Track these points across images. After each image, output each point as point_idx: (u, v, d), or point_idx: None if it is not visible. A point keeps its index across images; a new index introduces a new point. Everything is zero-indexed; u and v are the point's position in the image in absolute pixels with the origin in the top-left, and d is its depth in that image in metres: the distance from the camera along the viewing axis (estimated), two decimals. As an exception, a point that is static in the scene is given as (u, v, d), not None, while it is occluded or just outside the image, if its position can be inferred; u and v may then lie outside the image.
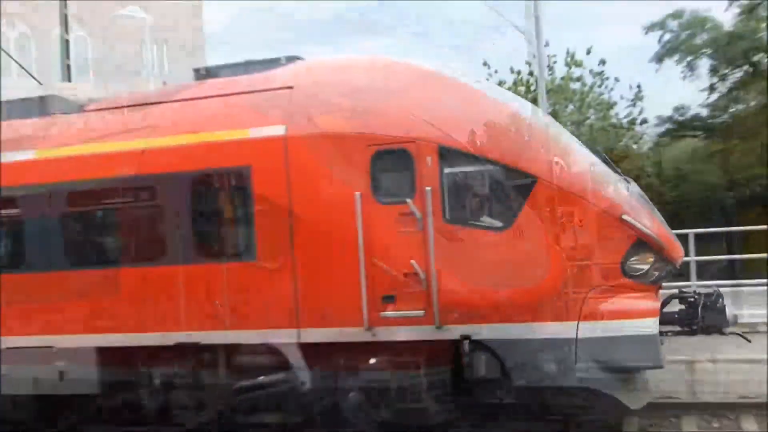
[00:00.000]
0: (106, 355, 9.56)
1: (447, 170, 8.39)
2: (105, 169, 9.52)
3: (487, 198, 8.51)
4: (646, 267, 8.24)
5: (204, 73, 10.11)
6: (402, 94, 8.85)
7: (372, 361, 8.71)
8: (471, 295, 8.29)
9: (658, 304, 8.33)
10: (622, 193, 8.48)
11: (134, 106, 9.93)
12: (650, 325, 8.10)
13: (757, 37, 25.77)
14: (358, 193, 8.46)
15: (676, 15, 28.51)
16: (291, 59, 9.74)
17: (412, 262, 8.35)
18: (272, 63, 9.74)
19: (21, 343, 9.81)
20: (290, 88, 9.18)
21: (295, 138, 8.79)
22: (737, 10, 28.24)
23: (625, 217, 8.13)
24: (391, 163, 8.52)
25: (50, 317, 9.74)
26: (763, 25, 28.33)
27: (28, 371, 9.87)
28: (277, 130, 8.89)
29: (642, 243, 8.16)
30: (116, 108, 10.03)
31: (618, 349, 8.10)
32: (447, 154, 8.37)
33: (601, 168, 8.66)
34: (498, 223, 8.38)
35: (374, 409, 8.87)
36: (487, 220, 8.45)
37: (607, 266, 8.19)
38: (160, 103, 9.87)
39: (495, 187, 8.46)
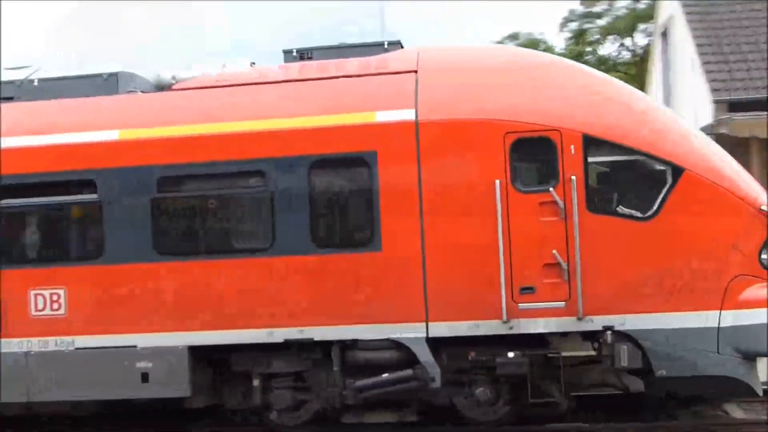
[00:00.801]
0: (198, 354, 9.03)
1: (591, 159, 8.44)
2: (208, 153, 8.99)
3: (633, 187, 8.65)
4: None
5: (295, 55, 9.78)
6: (539, 82, 8.83)
7: (507, 353, 8.56)
8: (615, 285, 8.34)
9: None
10: (755, 182, 8.69)
11: (235, 86, 9.42)
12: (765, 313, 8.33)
13: (583, 60, 28.78)
14: (498, 181, 8.37)
15: (513, 36, 33.53)
16: (393, 44, 9.62)
17: (554, 251, 8.31)
18: (373, 48, 9.59)
19: (99, 343, 9.07)
20: (414, 72, 8.97)
21: (428, 123, 8.60)
22: (568, 35, 34.33)
23: (764, 207, 8.34)
24: (532, 151, 8.49)
25: (133, 313, 9.03)
26: (589, 48, 33.95)
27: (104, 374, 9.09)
28: (407, 115, 8.66)
29: None
30: (212, 87, 9.48)
31: (754, 337, 8.32)
32: (591, 143, 8.40)
33: (730, 158, 8.82)
34: (643, 212, 8.44)
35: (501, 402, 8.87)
36: (631, 209, 8.51)
37: (746, 256, 8.39)
38: (263, 83, 9.39)
39: (641, 177, 8.61)
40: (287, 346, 8.88)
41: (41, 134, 9.34)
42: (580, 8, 37.10)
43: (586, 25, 34.51)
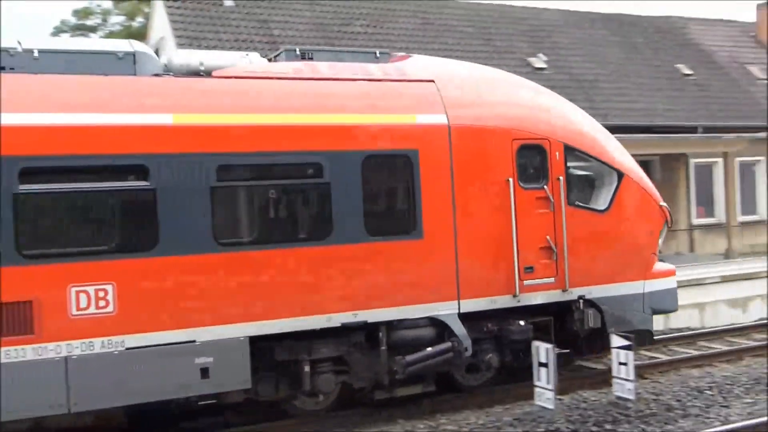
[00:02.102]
0: (262, 343, 9.28)
1: (569, 164, 10.91)
2: (262, 143, 9.29)
3: (594, 186, 11.27)
4: (663, 238, 11.95)
5: (298, 54, 10.45)
6: (531, 101, 11.08)
7: (514, 322, 10.62)
8: (583, 264, 10.87)
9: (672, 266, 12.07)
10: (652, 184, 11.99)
11: (281, 78, 9.78)
12: (675, 281, 11.86)
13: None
14: (511, 179, 10.39)
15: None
16: (384, 54, 10.99)
17: (547, 237, 10.63)
18: (367, 55, 10.91)
19: (148, 341, 8.71)
20: (432, 81, 10.49)
21: (457, 127, 10.21)
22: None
23: (662, 203, 11.75)
24: (530, 156, 10.62)
25: (191, 306, 8.87)
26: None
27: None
28: (441, 119, 10.18)
29: (666, 221, 11.83)
30: (260, 78, 9.71)
31: (663, 300, 11.65)
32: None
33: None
34: (601, 206, 11.18)
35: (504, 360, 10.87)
36: (593, 203, 11.21)
37: (654, 239, 11.65)
38: (300, 79, 9.89)
39: (599, 179, 11.28)
40: (328, 332, 9.57)
41: (75, 112, 8.58)
42: (72, 20, 37.49)
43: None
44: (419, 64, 10.90)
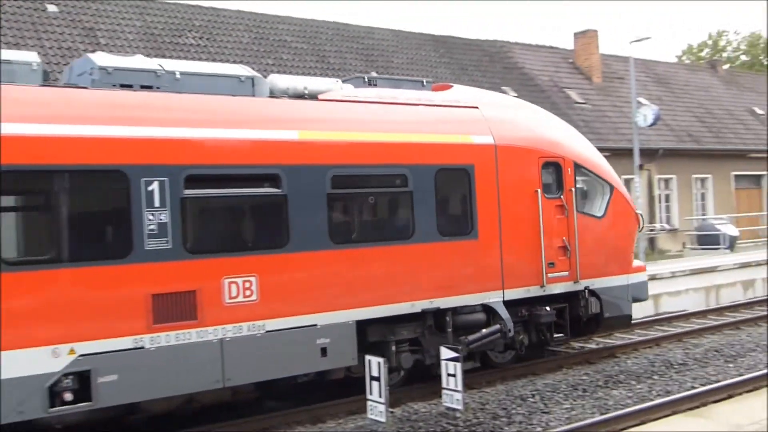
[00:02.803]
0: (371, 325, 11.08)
1: (576, 178, 13.33)
2: (363, 156, 11.10)
3: (593, 197, 13.72)
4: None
5: (366, 81, 12.38)
6: (552, 127, 13.62)
7: (542, 308, 12.99)
8: (589, 260, 13.30)
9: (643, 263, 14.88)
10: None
11: (373, 102, 11.72)
12: (646, 276, 14.69)
13: None
14: (539, 190, 12.68)
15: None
16: (429, 82, 13.09)
17: (564, 238, 12.97)
18: (416, 83, 12.99)
19: (283, 325, 10.27)
20: (476, 108, 12.66)
21: (500, 146, 12.41)
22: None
23: (638, 211, 14.50)
24: (550, 171, 12.97)
25: (313, 295, 10.53)
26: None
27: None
28: (489, 139, 12.36)
29: (639, 226, 14.50)
30: (355, 102, 11.57)
31: (639, 289, 14.32)
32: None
33: None
34: (598, 213, 13.64)
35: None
36: (592, 211, 13.63)
37: (633, 240, 14.42)
38: (389, 103, 11.89)
39: (596, 191, 13.77)
40: (406, 317, 11.45)
41: (226, 128, 10.08)
42: None
43: None
44: (462, 92, 13.18)
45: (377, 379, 9.73)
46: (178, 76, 10.29)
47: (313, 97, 11.36)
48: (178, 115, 9.84)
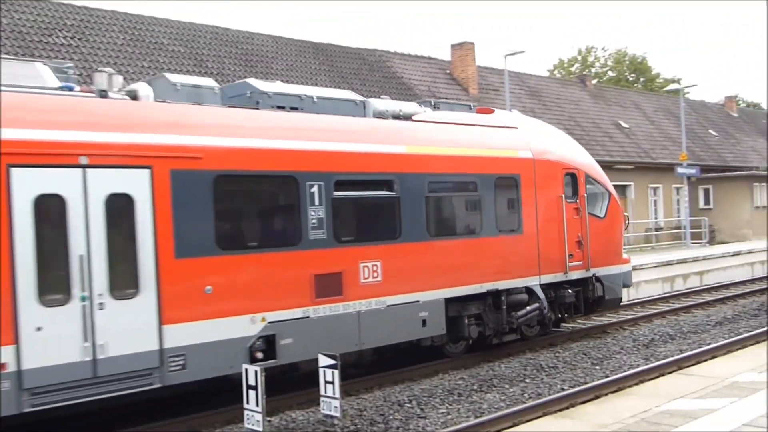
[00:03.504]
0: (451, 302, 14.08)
1: (587, 186, 16.81)
2: (449, 167, 14.19)
3: (596, 201, 17.13)
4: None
5: (432, 104, 15.74)
6: (568, 144, 17.41)
7: (565, 290, 16.37)
8: (596, 252, 16.74)
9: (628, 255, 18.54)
10: None
11: (450, 123, 14.93)
12: (631, 266, 18.39)
13: None
14: (562, 195, 16.14)
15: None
16: (474, 105, 16.63)
17: (579, 234, 16.42)
18: (463, 106, 16.57)
19: (398, 301, 13.10)
20: (516, 128, 16.05)
21: (537, 160, 15.75)
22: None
23: (625, 213, 18.51)
24: (570, 180, 16.41)
25: (416, 277, 13.41)
26: None
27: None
28: (529, 154, 15.68)
29: (626, 225, 18.41)
30: (438, 123, 14.71)
31: (627, 277, 18.00)
32: (578, 176, 16.63)
33: None
34: (601, 215, 17.11)
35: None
36: (597, 212, 17.03)
37: (622, 237, 18.11)
38: (459, 124, 15.09)
39: (599, 196, 17.23)
40: (472, 297, 14.42)
41: (359, 142, 12.93)
42: None
43: None
44: (503, 115, 16.73)
45: (254, 387, 9.62)
46: (315, 99, 13.04)
47: (407, 117, 14.42)
48: (326, 132, 12.60)
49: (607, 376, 13.30)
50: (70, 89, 10.62)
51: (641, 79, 72.40)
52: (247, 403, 9.70)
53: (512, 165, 15.21)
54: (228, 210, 11.46)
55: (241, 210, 11.89)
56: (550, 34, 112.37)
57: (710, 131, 50.76)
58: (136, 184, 10.32)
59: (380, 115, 14.01)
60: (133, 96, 11.15)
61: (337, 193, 12.31)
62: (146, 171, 10.38)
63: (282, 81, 27.83)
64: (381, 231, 13.17)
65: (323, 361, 10.36)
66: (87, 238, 9.85)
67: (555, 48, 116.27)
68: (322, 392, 10.33)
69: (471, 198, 14.64)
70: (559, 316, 16.61)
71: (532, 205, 15.41)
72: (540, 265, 15.48)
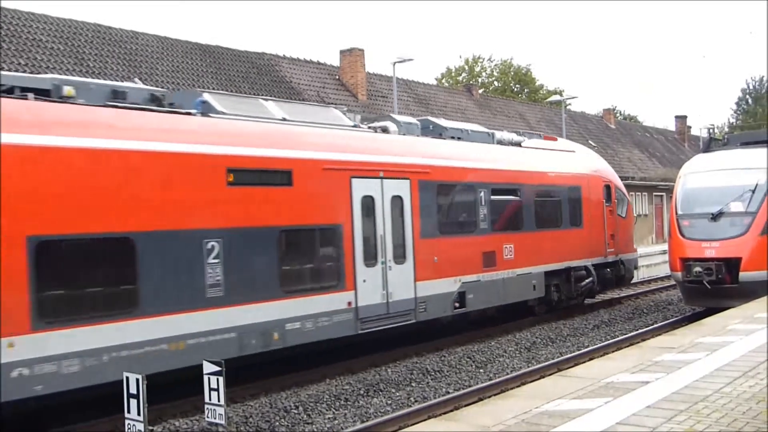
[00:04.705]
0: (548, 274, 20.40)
1: (616, 194, 23.64)
2: (546, 180, 20.83)
3: (620, 205, 23.81)
4: None
5: (521, 133, 22.21)
6: (604, 163, 24.41)
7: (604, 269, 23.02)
8: (621, 243, 23.56)
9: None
10: None
11: (541, 149, 21.96)
12: (638, 254, 25.63)
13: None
14: (603, 201, 22.74)
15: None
16: (540, 134, 23.39)
17: (612, 229, 23.05)
18: (537, 135, 23.11)
19: (522, 272, 19.33)
20: (573, 151, 22.99)
21: (589, 175, 22.37)
22: None
23: (634, 213, 25.73)
24: (606, 190, 23.05)
25: (529, 255, 19.54)
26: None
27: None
28: (585, 171, 22.37)
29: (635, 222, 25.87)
30: (534, 148, 21.49)
31: (636, 261, 25.34)
32: (611, 187, 23.36)
33: None
34: (623, 215, 23.90)
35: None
36: (621, 213, 23.80)
37: (633, 231, 25.38)
38: (546, 149, 22.05)
39: (621, 201, 23.96)
40: (555, 272, 20.64)
41: (503, 164, 19.39)
42: None
43: None
44: (562, 141, 23.84)
45: (135, 396, 9.29)
46: (470, 132, 19.39)
47: (516, 144, 20.84)
48: (487, 157, 18.81)
49: (490, 379, 13.81)
50: (356, 127, 16.28)
51: (525, 90, 74.50)
52: (128, 412, 9.38)
53: (577, 179, 21.73)
54: (443, 206, 17.34)
55: (450, 206, 17.75)
56: (439, 43, 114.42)
57: (590, 142, 53.02)
58: (403, 189, 15.97)
59: (499, 142, 20.22)
60: (384, 129, 17.00)
61: (492, 197, 18.33)
62: (407, 181, 16.11)
63: (168, 82, 27.54)
64: (513, 223, 19.32)
65: (207, 368, 9.99)
66: (384, 224, 15.37)
67: (443, 57, 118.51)
68: (206, 399, 9.98)
69: (555, 202, 20.98)
70: (597, 288, 22.88)
71: (587, 207, 21.90)
72: (591, 251, 22.02)
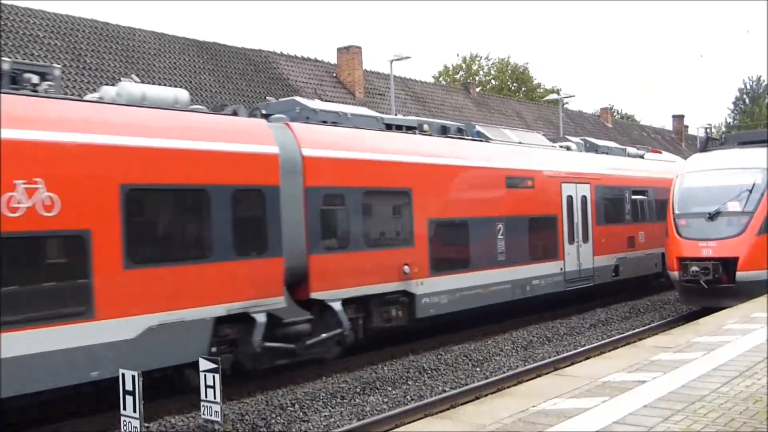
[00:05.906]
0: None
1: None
2: (655, 184, 24.68)
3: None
4: None
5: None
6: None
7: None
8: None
9: None
10: None
11: (657, 161, 27.69)
12: None
13: None
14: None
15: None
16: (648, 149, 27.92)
17: None
18: (643, 149, 27.54)
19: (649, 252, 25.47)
20: (674, 162, 26.38)
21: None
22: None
23: None
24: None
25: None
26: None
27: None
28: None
29: None
30: (653, 160, 27.19)
31: None
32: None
33: None
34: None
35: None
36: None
37: None
38: (660, 161, 28.44)
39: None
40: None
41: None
42: None
43: None
44: (666, 154, 28.17)
45: (131, 393, 9.17)
46: (611, 148, 26.61)
47: (640, 156, 27.72)
48: (629, 167, 26.00)
49: (487, 378, 13.73)
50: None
51: (522, 89, 74.45)
52: (124, 409, 9.27)
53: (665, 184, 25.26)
54: (607, 203, 23.57)
55: (610, 203, 23.84)
56: (436, 41, 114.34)
57: (587, 141, 52.74)
58: (587, 191, 22.58)
59: (629, 155, 26.66)
60: (568, 147, 23.88)
61: (632, 197, 25.03)
62: (588, 185, 22.75)
63: (165, 79, 27.48)
64: (643, 216, 25.26)
65: (203, 365, 9.98)
66: (577, 214, 22.11)
67: (440, 55, 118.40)
68: (202, 396, 9.90)
69: (666, 200, 21.94)
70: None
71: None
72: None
